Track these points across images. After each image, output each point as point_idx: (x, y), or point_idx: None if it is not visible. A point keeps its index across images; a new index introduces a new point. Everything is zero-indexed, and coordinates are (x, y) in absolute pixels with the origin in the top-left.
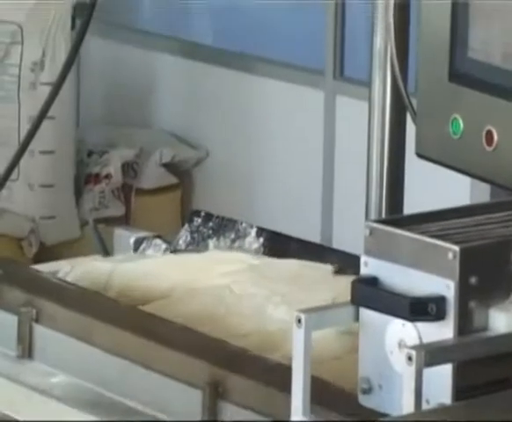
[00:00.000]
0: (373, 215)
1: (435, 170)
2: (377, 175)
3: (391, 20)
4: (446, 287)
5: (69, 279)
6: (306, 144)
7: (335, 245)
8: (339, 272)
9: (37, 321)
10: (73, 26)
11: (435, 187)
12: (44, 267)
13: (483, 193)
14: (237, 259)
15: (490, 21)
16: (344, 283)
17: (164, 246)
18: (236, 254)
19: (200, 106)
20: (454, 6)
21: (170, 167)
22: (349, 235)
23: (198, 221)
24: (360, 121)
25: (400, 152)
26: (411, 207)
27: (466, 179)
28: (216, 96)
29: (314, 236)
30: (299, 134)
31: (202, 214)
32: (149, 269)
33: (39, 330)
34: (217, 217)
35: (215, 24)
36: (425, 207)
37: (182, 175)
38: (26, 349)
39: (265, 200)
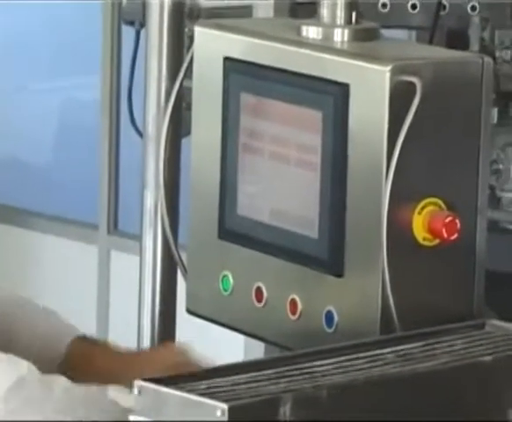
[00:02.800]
0: None
1: (209, 328)
2: (148, 332)
3: (162, 177)
4: None
5: None
6: (80, 302)
7: None
8: None
9: None
10: None
11: (208, 345)
12: None
13: (257, 350)
14: None
15: (258, 178)
16: None
17: None
18: None
19: None
20: (223, 163)
21: None
22: None
23: None
24: (135, 277)
25: (172, 308)
26: None
27: (241, 336)
28: None
29: None
30: (73, 291)
31: None
32: None
33: None
34: None
35: None
36: None
37: None
38: None
39: None
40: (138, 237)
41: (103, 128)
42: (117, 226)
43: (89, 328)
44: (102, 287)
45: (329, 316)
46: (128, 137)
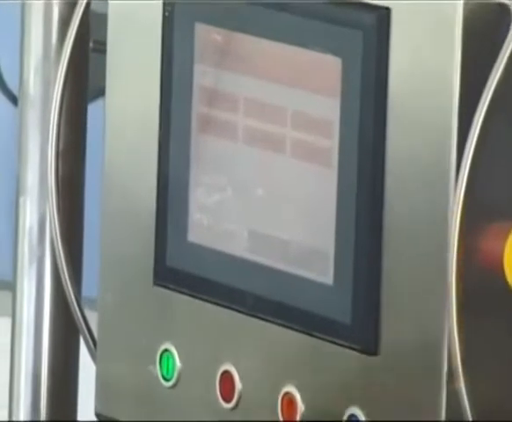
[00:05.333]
0: None
1: None
2: None
3: (52, 174)
4: None
5: None
6: None
7: None
8: None
9: None
10: None
11: None
12: None
13: None
14: None
15: (226, 178)
16: None
17: None
18: None
19: None
20: (163, 151)
21: None
22: None
23: None
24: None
25: (69, 411)
26: None
27: None
28: None
29: None
30: None
31: None
32: None
33: None
34: None
35: None
36: None
37: None
38: None
39: None
40: (8, 285)
41: None
42: None
43: None
44: None
45: None
46: None
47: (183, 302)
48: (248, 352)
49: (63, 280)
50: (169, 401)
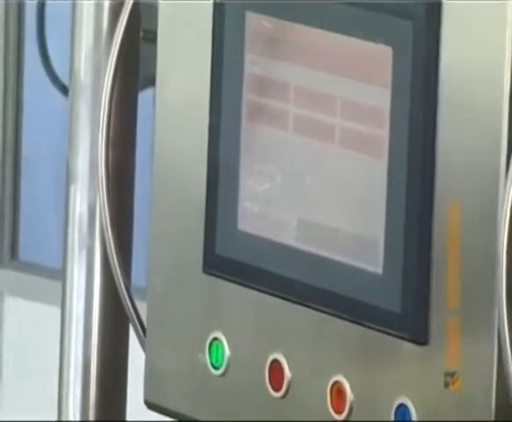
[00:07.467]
0: None
1: None
2: None
3: (103, 162)
4: None
5: None
6: None
7: None
8: None
9: None
10: None
11: None
12: None
13: None
14: None
15: (275, 167)
16: None
17: None
18: None
19: None
20: (213, 140)
21: None
22: None
23: None
24: (51, 342)
25: (119, 398)
26: None
27: None
28: None
29: None
30: None
31: None
32: None
33: None
34: None
35: None
36: None
37: None
38: None
39: None
40: (57, 273)
41: None
42: (16, 253)
43: None
44: None
45: (401, 413)
46: (41, 94)
47: (232, 291)
48: (297, 341)
49: (113, 268)
50: (218, 389)
